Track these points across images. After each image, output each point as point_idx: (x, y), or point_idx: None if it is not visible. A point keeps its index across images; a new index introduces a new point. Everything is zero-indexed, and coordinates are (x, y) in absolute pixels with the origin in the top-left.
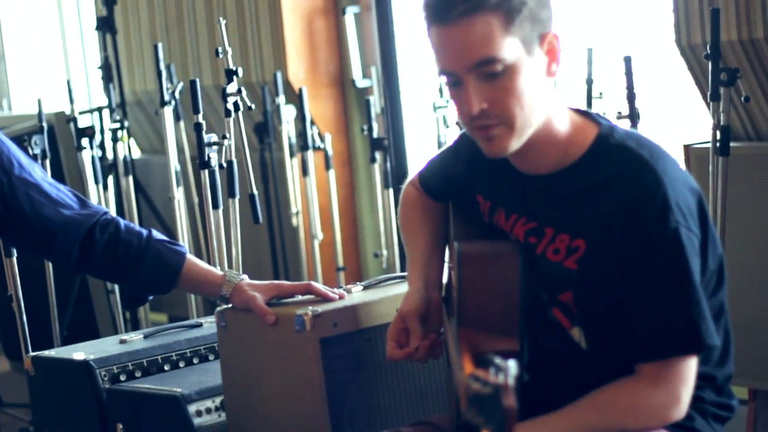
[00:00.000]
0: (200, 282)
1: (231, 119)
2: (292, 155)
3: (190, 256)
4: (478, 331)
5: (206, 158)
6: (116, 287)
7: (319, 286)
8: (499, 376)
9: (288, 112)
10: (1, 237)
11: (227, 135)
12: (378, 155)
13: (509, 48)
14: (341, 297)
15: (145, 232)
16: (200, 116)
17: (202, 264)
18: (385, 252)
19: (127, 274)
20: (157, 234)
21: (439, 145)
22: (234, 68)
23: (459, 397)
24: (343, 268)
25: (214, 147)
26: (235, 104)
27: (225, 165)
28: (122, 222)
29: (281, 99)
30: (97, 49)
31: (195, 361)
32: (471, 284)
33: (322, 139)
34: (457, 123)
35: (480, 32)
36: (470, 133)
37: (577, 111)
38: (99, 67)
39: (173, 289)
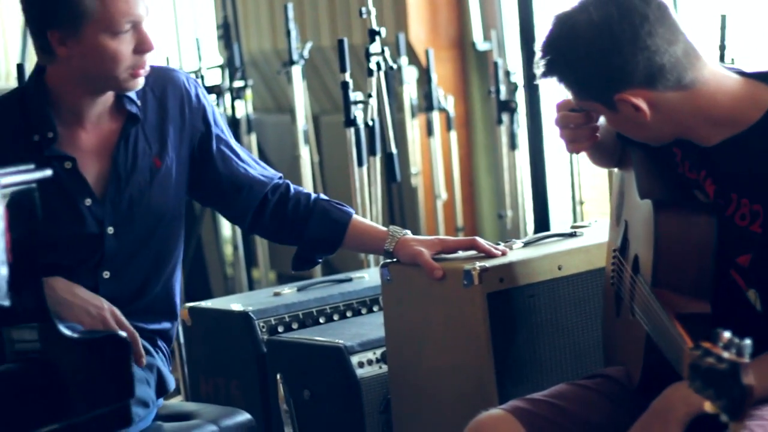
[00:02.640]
0: (365, 238)
1: (374, 78)
2: (413, 116)
3: (356, 216)
4: (672, 291)
5: (352, 116)
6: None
7: (482, 241)
8: (732, 352)
9: (410, 74)
10: (191, 188)
11: (372, 94)
12: (504, 117)
13: (589, 105)
14: (504, 253)
15: (313, 194)
16: (347, 75)
17: (367, 222)
18: (509, 213)
19: (295, 232)
20: (323, 195)
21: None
22: (377, 29)
23: (646, 353)
24: (462, 228)
25: (359, 105)
26: (378, 64)
27: (370, 123)
28: (292, 185)
29: (403, 60)
30: (212, 8)
31: (348, 314)
32: (666, 245)
33: (445, 101)
34: None
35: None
36: None
37: (759, 77)
38: (219, 26)
39: (339, 248)
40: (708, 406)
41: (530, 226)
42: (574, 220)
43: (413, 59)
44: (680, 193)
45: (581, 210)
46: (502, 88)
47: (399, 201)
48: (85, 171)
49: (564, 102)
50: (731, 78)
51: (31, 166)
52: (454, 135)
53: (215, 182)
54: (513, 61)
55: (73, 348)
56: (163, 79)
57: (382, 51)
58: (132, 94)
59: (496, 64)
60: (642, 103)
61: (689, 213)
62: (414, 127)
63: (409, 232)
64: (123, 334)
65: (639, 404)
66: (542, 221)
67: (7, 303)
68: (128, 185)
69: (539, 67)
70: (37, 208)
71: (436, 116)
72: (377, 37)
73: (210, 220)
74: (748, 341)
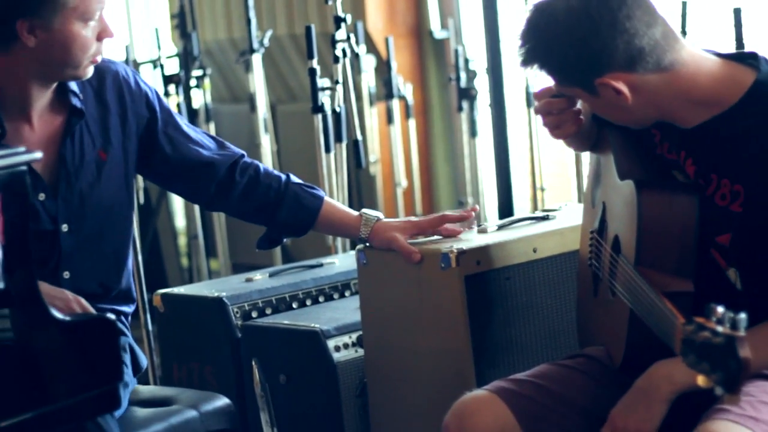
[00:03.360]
0: (337, 224)
1: (339, 65)
2: (371, 104)
3: (327, 199)
4: (655, 270)
5: (319, 103)
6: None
7: (451, 213)
8: (726, 326)
9: (368, 62)
10: (142, 173)
11: (339, 80)
12: (464, 104)
13: (572, 91)
14: (472, 215)
15: (283, 176)
16: (314, 61)
17: (339, 206)
18: (470, 199)
19: (266, 215)
20: (294, 178)
21: (528, 94)
22: (343, 15)
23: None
24: (421, 216)
25: (326, 92)
26: (343, 51)
27: (338, 110)
28: (261, 165)
29: (362, 49)
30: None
31: (321, 299)
32: (649, 225)
33: (404, 89)
34: None
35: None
36: None
37: (738, 58)
38: (174, 15)
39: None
40: (701, 380)
41: (490, 213)
42: (534, 208)
43: (371, 48)
44: (660, 173)
45: (541, 197)
46: (462, 76)
47: (357, 188)
48: (35, 166)
49: (544, 90)
50: (710, 59)
51: (22, 149)
52: (412, 123)
53: (165, 165)
54: (471, 49)
55: (62, 331)
56: (99, 72)
57: (348, 38)
58: (74, 87)
59: (456, 51)
60: (623, 87)
61: (671, 192)
62: (373, 116)
63: (381, 215)
64: (111, 316)
65: (621, 382)
66: (506, 207)
67: (1, 285)
68: (78, 180)
69: (520, 55)
70: (28, 190)
71: (396, 104)
72: (342, 24)
73: (165, 212)
74: (743, 315)
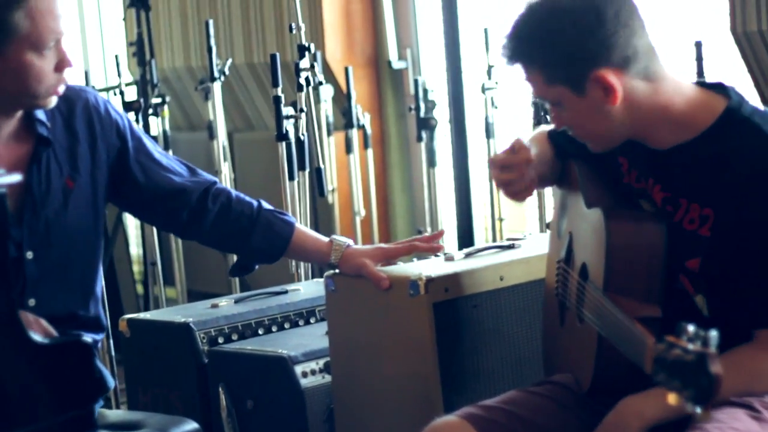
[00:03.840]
0: (308, 250)
1: (303, 94)
2: (329, 134)
3: (299, 225)
4: (623, 296)
5: (284, 131)
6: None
7: (420, 243)
8: (697, 344)
9: (326, 92)
10: (112, 200)
11: (303, 108)
12: (424, 134)
13: (555, 93)
14: (440, 249)
15: (255, 202)
16: (279, 89)
17: (310, 232)
18: (429, 229)
19: (238, 243)
20: (266, 204)
21: (487, 125)
22: (306, 44)
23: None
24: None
25: (290, 120)
26: (306, 79)
27: (302, 137)
28: (233, 192)
29: (320, 78)
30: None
31: (286, 326)
32: (618, 251)
33: (363, 118)
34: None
35: (529, 78)
36: None
37: (710, 86)
38: (131, 44)
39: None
40: (672, 398)
41: (449, 242)
42: (494, 237)
43: (329, 77)
44: (627, 202)
45: (500, 227)
46: (421, 106)
47: (314, 217)
48: None
49: (496, 159)
50: (685, 83)
51: (1, 171)
52: (370, 152)
53: (137, 193)
54: (429, 79)
55: (40, 353)
56: (69, 100)
57: (312, 66)
58: (42, 116)
59: (416, 81)
60: (617, 83)
61: (639, 220)
62: (330, 145)
63: (351, 242)
64: (87, 339)
65: (587, 407)
66: (467, 236)
67: None
68: (44, 208)
69: (505, 53)
70: (7, 212)
71: (355, 133)
72: (306, 53)
73: (122, 239)
74: (714, 332)
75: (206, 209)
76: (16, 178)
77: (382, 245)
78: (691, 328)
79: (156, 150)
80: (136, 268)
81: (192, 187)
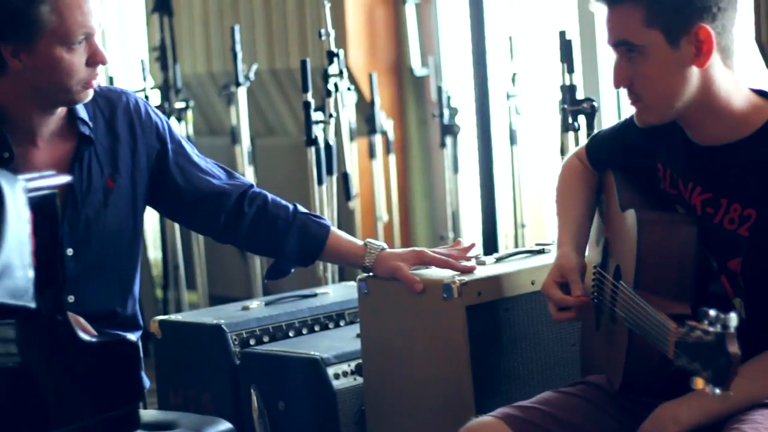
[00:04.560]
0: (343, 253)
1: (331, 99)
2: (351, 140)
3: (333, 228)
4: (653, 294)
5: (313, 136)
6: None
7: (457, 256)
8: (717, 326)
9: (349, 98)
10: (152, 204)
11: (333, 114)
12: (448, 141)
13: (648, 37)
14: (474, 268)
15: (291, 206)
16: (309, 95)
17: (344, 235)
18: (451, 234)
19: (274, 246)
20: (301, 208)
21: (511, 132)
22: (336, 51)
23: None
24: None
25: (320, 125)
26: (335, 85)
27: (331, 143)
28: (269, 195)
29: (343, 84)
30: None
31: (316, 328)
32: (649, 250)
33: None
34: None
35: (622, 18)
36: None
37: (759, 92)
38: (154, 48)
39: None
40: (697, 383)
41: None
42: (516, 244)
43: (352, 83)
44: (662, 206)
45: (522, 233)
46: (445, 112)
47: (337, 224)
48: None
49: (555, 298)
50: (741, 85)
51: (52, 172)
52: (392, 158)
53: (177, 196)
54: (451, 86)
55: (86, 351)
56: (111, 101)
57: (340, 72)
58: (84, 115)
59: (439, 88)
60: (713, 42)
61: (671, 221)
62: (353, 151)
63: (386, 246)
64: (132, 338)
65: (622, 408)
66: (491, 242)
67: (33, 305)
68: (84, 206)
69: None
70: (58, 212)
71: (378, 139)
72: (335, 59)
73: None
74: (732, 314)
75: (243, 213)
76: (65, 179)
77: (417, 249)
78: (712, 312)
79: (194, 153)
80: (155, 272)
81: (230, 190)
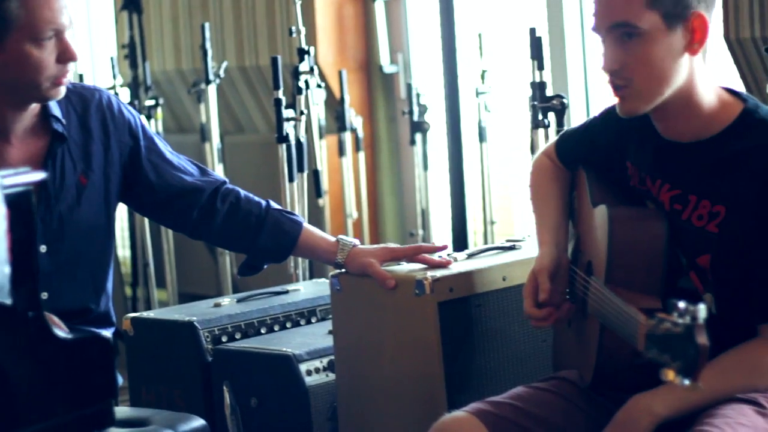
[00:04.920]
0: (315, 249)
1: (302, 96)
2: (320, 137)
3: (306, 225)
4: (624, 289)
5: (284, 133)
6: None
7: (427, 255)
8: (687, 318)
9: (318, 95)
10: (124, 200)
11: (303, 111)
12: (417, 138)
13: (648, 19)
14: (447, 263)
15: (263, 202)
16: (280, 92)
17: (317, 231)
18: (421, 231)
19: (247, 242)
20: (274, 204)
21: (481, 130)
22: (306, 48)
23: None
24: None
25: (291, 122)
26: (306, 82)
27: (302, 140)
28: (242, 192)
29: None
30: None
31: (288, 325)
32: (620, 245)
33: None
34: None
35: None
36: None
37: (727, 89)
38: (123, 46)
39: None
40: (668, 374)
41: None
42: (485, 241)
43: (322, 81)
44: (632, 202)
45: (491, 230)
46: (414, 110)
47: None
48: None
49: (531, 314)
50: (713, 81)
51: (27, 169)
52: (362, 155)
53: (149, 192)
54: (420, 84)
55: (62, 348)
56: (84, 98)
57: (311, 69)
58: (57, 112)
59: (409, 86)
60: (708, 31)
61: (642, 216)
62: (323, 148)
63: (358, 242)
64: (107, 334)
65: (593, 402)
66: (461, 239)
67: (9, 301)
68: (57, 203)
69: None
70: (34, 209)
71: (347, 136)
72: (306, 56)
73: None
74: (701, 305)
75: (216, 209)
76: (40, 176)
77: (389, 245)
78: (681, 304)
79: (167, 150)
80: (124, 269)
81: (202, 186)
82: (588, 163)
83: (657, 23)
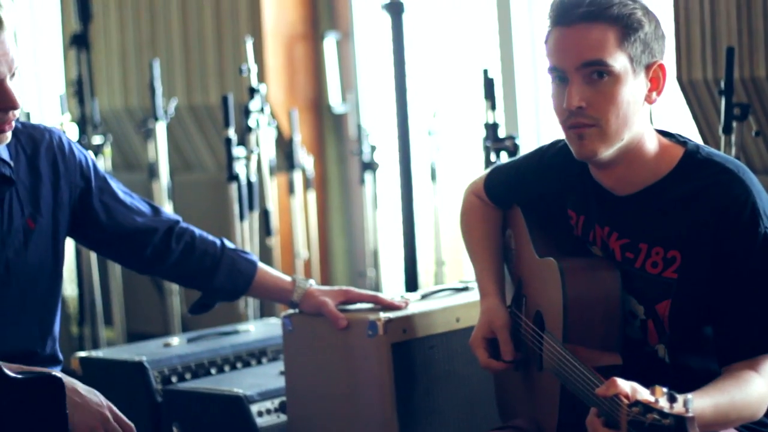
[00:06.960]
0: (270, 289)
1: (252, 135)
2: (271, 175)
3: (261, 264)
4: (583, 346)
5: (234, 172)
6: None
7: (384, 297)
8: (674, 407)
9: (268, 134)
10: (75, 239)
11: (254, 150)
12: (367, 177)
13: (618, 59)
14: (405, 306)
15: (218, 241)
16: (231, 131)
17: (272, 271)
18: (370, 271)
19: (202, 281)
20: (229, 243)
21: (432, 170)
22: (257, 86)
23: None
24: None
25: (241, 161)
26: (257, 121)
27: (253, 179)
28: (197, 231)
29: (264, 120)
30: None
31: (239, 365)
32: (575, 302)
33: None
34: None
35: (595, 37)
36: (564, 132)
37: (663, 133)
38: (72, 83)
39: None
40: None
41: (391, 285)
42: (435, 281)
43: (272, 119)
44: (578, 251)
45: (442, 271)
46: (365, 149)
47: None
48: None
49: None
50: (653, 131)
51: None
52: (312, 195)
53: (99, 232)
54: (370, 124)
55: (11, 387)
56: (34, 138)
57: (262, 108)
58: (5, 155)
59: (359, 126)
60: (665, 80)
61: (593, 269)
62: (272, 187)
63: (313, 281)
64: (58, 373)
65: None
66: (412, 279)
67: None
68: (4, 248)
69: (585, 9)
70: None
71: (297, 175)
72: (256, 95)
73: None
74: (690, 396)
75: (170, 249)
76: None
77: (345, 288)
78: (664, 390)
79: (120, 189)
80: (71, 308)
81: (155, 226)
82: (524, 206)
83: (625, 66)
